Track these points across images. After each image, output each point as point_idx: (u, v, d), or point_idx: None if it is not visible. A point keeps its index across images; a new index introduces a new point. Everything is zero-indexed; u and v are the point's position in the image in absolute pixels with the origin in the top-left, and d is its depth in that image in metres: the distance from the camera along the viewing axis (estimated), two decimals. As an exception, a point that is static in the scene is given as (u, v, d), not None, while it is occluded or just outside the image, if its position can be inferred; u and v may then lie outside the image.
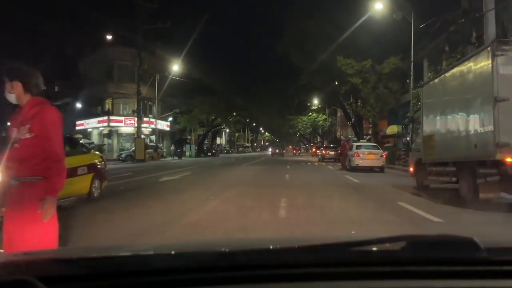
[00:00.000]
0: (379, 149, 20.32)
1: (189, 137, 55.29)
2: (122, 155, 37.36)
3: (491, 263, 1.18)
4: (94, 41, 43.52)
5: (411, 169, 12.33)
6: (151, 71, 38.83)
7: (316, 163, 31.56)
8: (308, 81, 35.74)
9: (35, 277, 0.99)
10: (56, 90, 71.24)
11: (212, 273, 1.12)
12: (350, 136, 46.48)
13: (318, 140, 76.66)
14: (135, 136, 36.60)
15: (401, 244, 1.20)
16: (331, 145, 38.41)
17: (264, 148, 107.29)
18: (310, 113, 66.95)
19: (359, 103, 32.91)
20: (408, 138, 13.11)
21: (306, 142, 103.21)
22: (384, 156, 19.67)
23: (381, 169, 19.67)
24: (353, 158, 19.64)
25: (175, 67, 39.48)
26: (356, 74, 27.29)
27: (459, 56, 17.21)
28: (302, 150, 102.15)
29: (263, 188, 11.56)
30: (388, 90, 27.52)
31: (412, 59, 21.88)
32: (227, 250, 1.33)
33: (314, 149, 60.58)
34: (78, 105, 45.39)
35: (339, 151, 35.77)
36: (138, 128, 35.95)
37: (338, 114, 61.77)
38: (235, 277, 1.11)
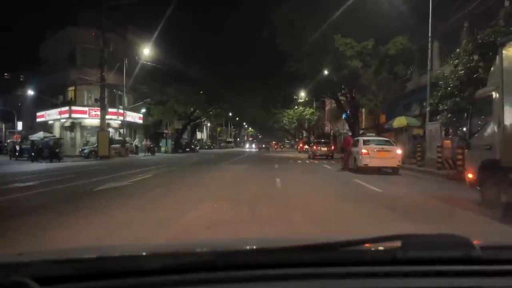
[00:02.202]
0: (392, 144, 16.13)
1: (165, 131, 50.36)
2: (85, 151, 32.48)
3: (485, 262, 1.18)
4: (54, 21, 38.56)
5: (470, 175, 8.10)
6: (119, 55, 34.03)
7: (307, 161, 27.32)
8: (297, 68, 31.21)
9: (29, 278, 0.99)
10: (21, 79, 65.57)
11: (207, 274, 1.11)
12: (341, 131, 42.57)
13: (304, 135, 72.59)
14: (103, 129, 31.69)
15: (396, 243, 1.19)
16: (322, 140, 34.16)
17: (246, 143, 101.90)
18: (296, 106, 62.88)
19: (353, 92, 28.75)
20: (464, 129, 8.81)
21: (290, 138, 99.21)
22: (400, 154, 15.49)
23: (395, 170, 15.53)
24: (360, 157, 15.44)
25: (146, 50, 34.64)
26: (356, 57, 23.09)
27: (502, 23, 13.04)
28: (287, 146, 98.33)
29: (244, 207, 7.20)
30: (393, 75, 23.41)
31: (430, 34, 17.71)
32: (221, 250, 1.31)
33: (301, 145, 56.45)
34: (40, 95, 39.93)
35: (332, 147, 31.76)
36: (102, 119, 31.11)
37: (327, 107, 57.79)
38: (228, 278, 1.10)
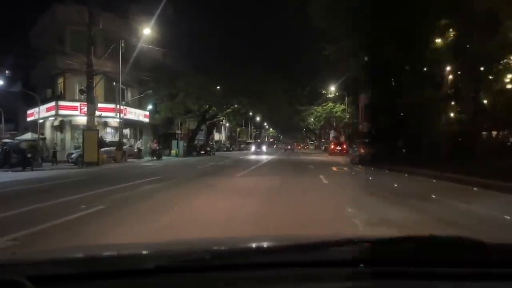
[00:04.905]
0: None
1: (178, 131, 43.69)
2: (72, 155, 26.23)
3: (486, 265, 1.15)
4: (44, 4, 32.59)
5: None
6: (118, 38, 27.69)
7: (360, 170, 20.06)
8: (332, 51, 24.01)
9: (24, 277, 0.97)
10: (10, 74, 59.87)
11: (198, 274, 1.08)
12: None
13: (332, 135, 65.24)
14: (91, 128, 25.25)
15: (390, 245, 1.17)
16: (366, 141, 27.00)
17: (252, 145, 74.75)
18: (324, 103, 55.72)
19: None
20: None
21: (315, 138, 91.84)
22: None
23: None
24: None
25: (147, 31, 28.05)
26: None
27: None
28: (311, 147, 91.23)
29: None
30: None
31: None
32: (213, 250, 1.31)
33: (332, 146, 48.90)
34: (28, 90, 33.76)
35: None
36: (90, 116, 24.66)
37: (361, 104, 50.25)
38: (224, 278, 1.08)
